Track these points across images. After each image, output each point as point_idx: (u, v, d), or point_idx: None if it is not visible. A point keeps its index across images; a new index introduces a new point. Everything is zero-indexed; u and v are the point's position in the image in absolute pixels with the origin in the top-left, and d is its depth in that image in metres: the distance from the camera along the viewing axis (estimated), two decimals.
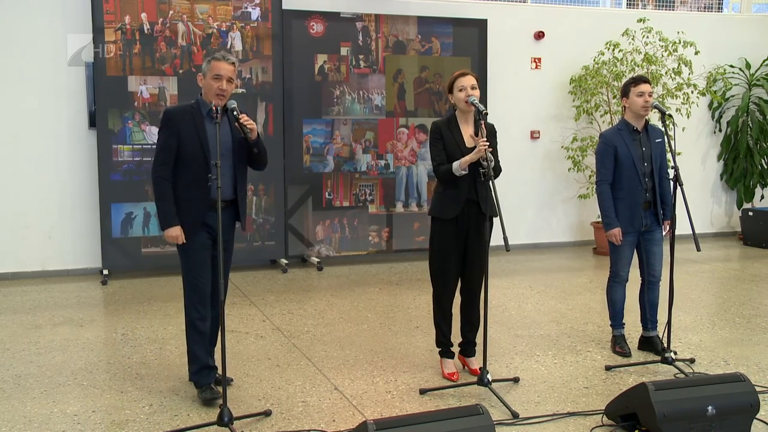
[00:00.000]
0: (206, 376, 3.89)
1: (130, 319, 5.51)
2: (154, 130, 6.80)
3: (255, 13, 7.05)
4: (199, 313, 3.85)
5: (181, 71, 6.84)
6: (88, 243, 6.94)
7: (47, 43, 6.74)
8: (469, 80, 4.04)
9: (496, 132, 4.18)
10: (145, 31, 6.73)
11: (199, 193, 3.76)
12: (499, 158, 4.12)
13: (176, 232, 3.78)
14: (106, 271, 6.78)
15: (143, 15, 6.71)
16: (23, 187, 6.79)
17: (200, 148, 3.75)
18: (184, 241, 3.80)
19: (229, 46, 6.96)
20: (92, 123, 6.84)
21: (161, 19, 6.77)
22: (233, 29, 6.99)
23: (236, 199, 3.90)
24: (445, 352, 4.30)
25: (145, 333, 5.13)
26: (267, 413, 3.70)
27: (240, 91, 6.98)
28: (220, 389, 3.76)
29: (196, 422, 3.60)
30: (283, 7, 7.15)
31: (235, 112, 3.69)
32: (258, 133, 3.83)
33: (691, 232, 4.17)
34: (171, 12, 6.79)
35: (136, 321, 5.44)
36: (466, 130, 4.11)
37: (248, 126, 3.73)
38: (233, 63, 3.80)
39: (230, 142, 3.83)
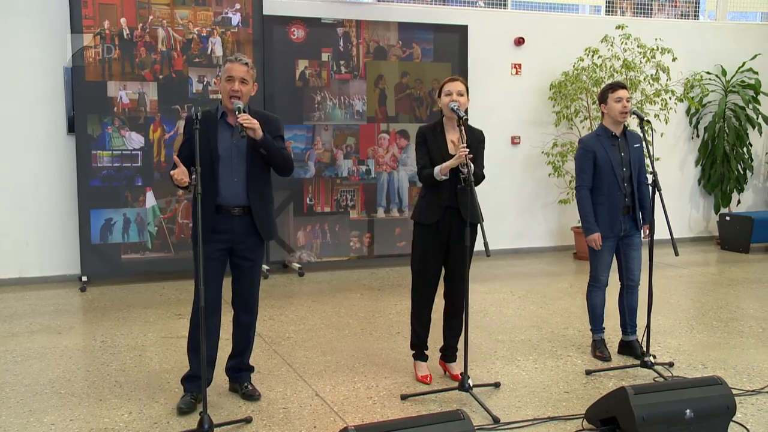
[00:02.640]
0: (192, 382, 3.88)
1: (110, 326, 5.46)
2: (134, 135, 6.77)
3: (235, 18, 7.03)
4: (195, 326, 3.83)
5: (161, 77, 6.80)
6: (66, 249, 6.88)
7: (25, 48, 6.67)
8: (456, 86, 4.05)
9: (484, 139, 4.19)
10: (125, 37, 6.69)
11: (206, 199, 3.67)
12: (484, 165, 4.14)
13: (177, 170, 3.61)
14: (84, 278, 6.72)
15: (123, 20, 6.67)
16: (0, 193, 6.71)
17: (208, 152, 3.72)
18: (186, 178, 3.61)
19: (209, 52, 6.94)
20: (71, 128, 6.78)
21: (141, 25, 6.73)
22: (214, 35, 6.97)
23: (251, 206, 3.80)
24: (419, 354, 4.32)
25: (125, 340, 5.09)
26: (248, 420, 3.68)
27: (220, 96, 6.95)
28: (198, 397, 3.83)
29: (176, 430, 3.57)
30: (264, 13, 7.14)
31: (237, 113, 3.64)
32: (266, 135, 3.71)
33: (669, 237, 4.22)
34: (151, 17, 6.76)
35: (116, 328, 5.39)
36: (452, 136, 4.12)
37: (245, 125, 3.60)
38: (246, 63, 3.76)
39: (245, 145, 3.77)
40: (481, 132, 4.18)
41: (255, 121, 3.66)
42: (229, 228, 3.78)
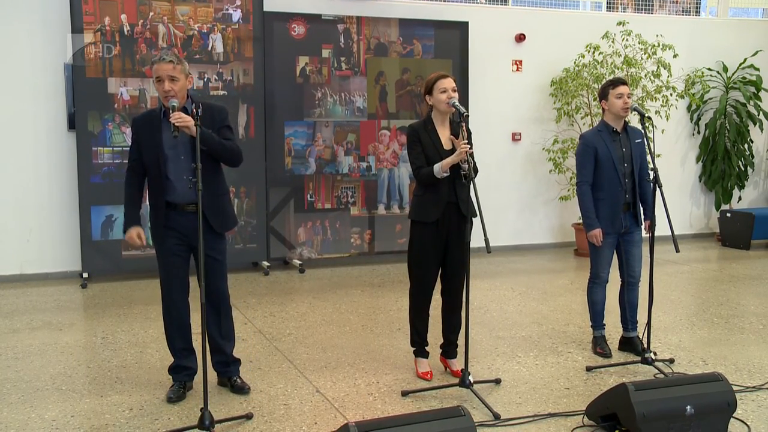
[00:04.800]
0: (177, 372, 4.00)
1: (110, 322, 5.46)
2: None
3: (236, 14, 7.03)
4: (167, 317, 3.97)
5: None
6: (67, 246, 6.88)
7: (25, 45, 6.67)
8: (450, 82, 4.05)
9: (471, 132, 4.18)
10: (125, 33, 6.69)
11: (157, 197, 3.82)
12: (475, 158, 4.14)
13: (130, 234, 3.85)
14: (85, 275, 6.72)
15: (123, 16, 6.67)
16: (1, 190, 6.71)
17: (155, 152, 3.78)
18: (142, 243, 3.86)
19: (210, 48, 6.93)
20: (71, 125, 6.78)
21: (141, 21, 6.73)
22: (214, 31, 6.96)
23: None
24: (420, 351, 4.32)
25: (126, 336, 5.09)
26: (248, 416, 3.68)
27: (221, 93, 6.96)
28: (187, 386, 3.98)
29: (176, 426, 3.58)
30: (265, 9, 7.13)
31: (171, 111, 3.61)
32: (202, 129, 3.63)
33: (670, 233, 4.21)
34: (151, 14, 6.75)
35: (117, 324, 5.40)
36: (443, 132, 4.12)
37: (177, 123, 3.56)
38: (171, 61, 3.72)
39: (189, 143, 3.76)
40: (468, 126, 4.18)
41: (187, 117, 3.61)
42: (184, 225, 3.81)
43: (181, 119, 3.60)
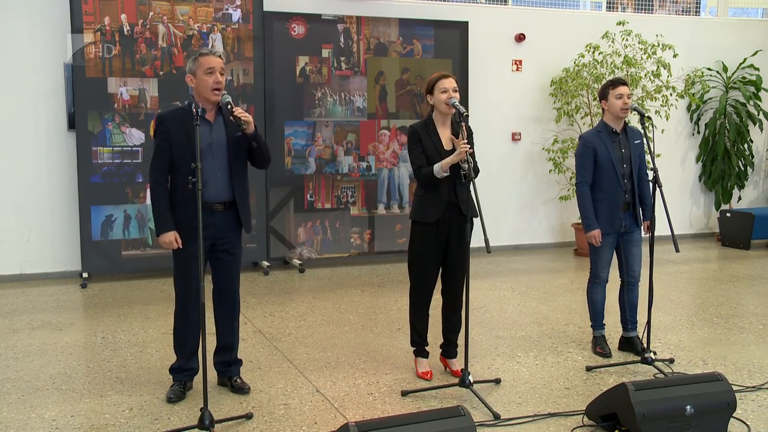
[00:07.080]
0: (180, 374, 3.98)
1: (110, 322, 5.46)
2: (135, 132, 6.76)
3: (236, 14, 7.03)
4: (183, 319, 3.93)
5: (161, 73, 6.80)
6: (67, 246, 6.88)
7: (25, 45, 6.67)
8: (451, 82, 4.05)
9: (472, 133, 4.19)
10: (125, 33, 6.69)
11: (192, 197, 3.68)
12: (476, 158, 4.14)
13: (169, 238, 3.76)
14: (85, 274, 6.72)
15: (123, 16, 6.67)
16: (1, 190, 6.71)
17: (190, 150, 3.69)
18: (180, 246, 3.78)
19: (210, 48, 6.93)
20: (71, 125, 6.78)
21: (141, 21, 6.73)
22: (214, 31, 6.96)
23: (235, 201, 3.84)
24: (420, 351, 4.32)
25: (126, 336, 5.09)
26: (248, 416, 3.68)
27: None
28: (187, 386, 3.97)
29: (176, 426, 3.58)
30: (264, 9, 7.13)
31: (229, 106, 3.62)
32: (255, 127, 3.77)
33: (669, 233, 4.22)
34: (151, 13, 6.75)
35: (116, 324, 5.40)
36: (444, 133, 4.12)
37: (243, 118, 3.62)
38: (221, 56, 3.78)
39: (224, 141, 3.77)
40: (469, 126, 4.18)
41: (248, 114, 3.67)
42: (212, 224, 3.79)
43: (245, 114, 3.63)
